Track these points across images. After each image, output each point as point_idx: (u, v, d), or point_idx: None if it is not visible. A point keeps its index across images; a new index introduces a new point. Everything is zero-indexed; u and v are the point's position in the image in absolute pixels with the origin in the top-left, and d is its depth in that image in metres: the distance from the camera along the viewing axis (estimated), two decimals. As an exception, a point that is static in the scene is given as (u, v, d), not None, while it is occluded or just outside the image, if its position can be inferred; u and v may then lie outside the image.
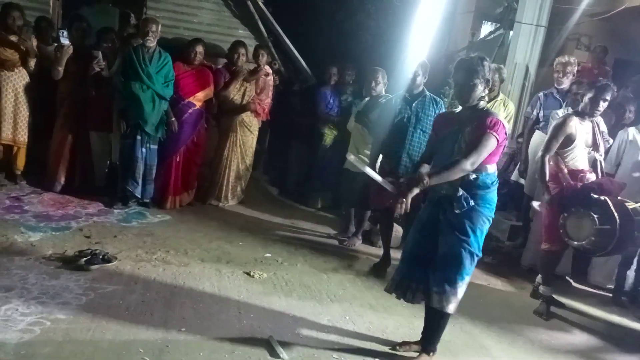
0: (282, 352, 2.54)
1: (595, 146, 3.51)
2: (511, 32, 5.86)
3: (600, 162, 3.56)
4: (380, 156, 3.91)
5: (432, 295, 2.50)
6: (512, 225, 4.78)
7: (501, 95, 4.48)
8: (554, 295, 3.61)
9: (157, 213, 4.40)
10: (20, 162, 4.57)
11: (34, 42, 4.48)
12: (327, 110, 5.16)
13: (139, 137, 4.29)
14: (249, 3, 5.50)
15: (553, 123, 3.63)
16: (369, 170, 2.59)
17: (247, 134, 4.91)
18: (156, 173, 4.47)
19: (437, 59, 5.69)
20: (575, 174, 3.44)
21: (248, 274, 3.44)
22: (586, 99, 3.41)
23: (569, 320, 3.51)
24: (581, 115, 3.45)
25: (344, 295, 3.37)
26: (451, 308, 2.50)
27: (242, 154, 4.91)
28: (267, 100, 4.99)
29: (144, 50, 4.23)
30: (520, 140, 4.84)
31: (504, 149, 2.55)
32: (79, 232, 3.71)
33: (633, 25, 6.61)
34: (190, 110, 4.54)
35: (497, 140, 2.39)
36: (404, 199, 2.33)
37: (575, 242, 3.24)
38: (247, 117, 4.85)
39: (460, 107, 2.59)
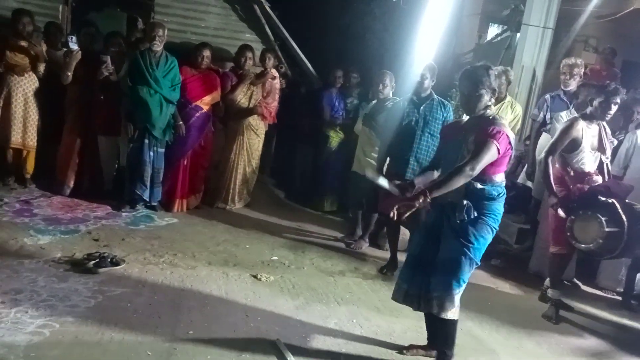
0: (290, 356, 2.53)
1: (601, 149, 3.49)
2: (518, 34, 5.84)
3: (607, 164, 3.54)
4: (388, 159, 3.91)
5: (431, 301, 2.50)
6: (520, 228, 4.76)
7: (508, 98, 4.46)
8: (563, 299, 3.58)
9: (164, 216, 4.42)
10: (30, 166, 4.62)
11: (44, 47, 4.53)
12: (332, 113, 5.17)
13: (146, 141, 4.32)
14: (256, 7, 5.53)
15: (559, 126, 3.62)
16: (385, 183, 2.58)
17: (254, 137, 4.93)
18: (164, 176, 4.50)
19: (444, 61, 5.68)
20: (581, 176, 3.42)
21: (255, 276, 3.45)
22: (596, 102, 3.38)
23: (578, 324, 3.49)
24: (589, 118, 3.43)
25: (350, 298, 3.36)
26: (450, 314, 2.47)
27: (248, 157, 4.93)
28: (273, 103, 5.01)
29: (151, 54, 4.26)
30: (527, 142, 4.82)
31: (510, 159, 2.51)
32: (88, 235, 3.74)
33: (641, 26, 6.57)
34: (197, 114, 4.57)
35: (498, 149, 2.36)
36: (403, 212, 2.33)
37: (583, 245, 3.21)
38: (253, 120, 4.87)
39: (466, 116, 2.58)
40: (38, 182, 4.63)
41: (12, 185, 4.53)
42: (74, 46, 4.56)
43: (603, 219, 3.09)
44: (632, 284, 3.91)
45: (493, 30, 7.43)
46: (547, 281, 3.60)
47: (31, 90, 4.50)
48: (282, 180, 5.92)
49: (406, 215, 2.34)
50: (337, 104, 5.23)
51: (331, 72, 5.26)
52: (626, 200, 3.25)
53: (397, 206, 2.35)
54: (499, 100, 2.51)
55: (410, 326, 3.05)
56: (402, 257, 3.96)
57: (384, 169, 3.88)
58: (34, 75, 4.49)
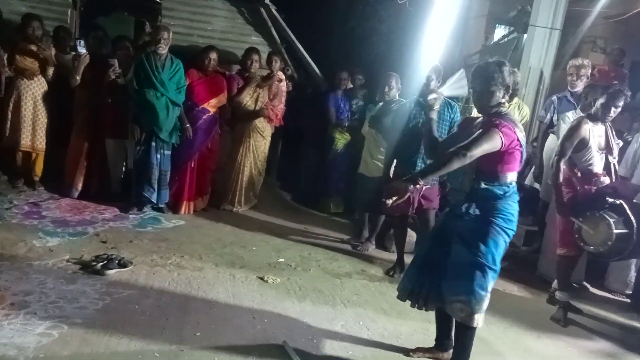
0: (297, 358, 2.53)
1: (608, 149, 3.47)
2: (525, 36, 5.82)
3: (615, 165, 3.52)
4: (395, 161, 3.90)
5: (446, 303, 2.46)
6: (527, 230, 4.73)
7: (516, 99, 4.44)
8: (571, 301, 3.56)
9: (171, 218, 4.45)
10: (39, 168, 4.66)
11: (53, 51, 4.58)
12: (338, 115, 5.18)
13: (153, 144, 4.35)
14: (262, 10, 5.55)
15: (565, 126, 3.60)
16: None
17: (260, 140, 4.94)
18: (171, 179, 4.53)
19: (450, 63, 5.67)
20: (589, 177, 3.40)
21: (262, 279, 3.45)
22: (598, 104, 3.36)
23: (587, 327, 3.46)
24: (594, 119, 3.41)
25: (357, 300, 3.36)
26: (472, 321, 2.40)
27: (255, 159, 4.95)
28: (280, 106, 5.02)
29: (156, 57, 4.29)
30: (534, 144, 4.80)
31: (522, 158, 2.40)
32: (96, 237, 3.77)
33: (650, 27, 6.51)
34: (204, 117, 4.60)
35: (502, 140, 2.25)
36: (397, 197, 2.22)
37: (592, 247, 3.19)
38: (260, 122, 4.89)
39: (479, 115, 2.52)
40: (47, 185, 4.67)
41: (21, 188, 4.58)
42: (82, 50, 4.61)
43: (612, 220, 3.07)
44: (641, 286, 3.87)
45: (500, 32, 7.41)
46: (555, 283, 3.58)
47: (40, 93, 4.54)
48: (288, 183, 5.93)
49: (399, 201, 2.22)
50: (342, 105, 5.24)
51: (336, 74, 5.27)
52: (634, 201, 3.22)
53: (387, 192, 2.26)
54: (512, 98, 2.48)
55: (418, 328, 3.04)
56: (408, 259, 3.97)
57: (391, 171, 3.87)
58: (43, 78, 4.54)
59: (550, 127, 4.46)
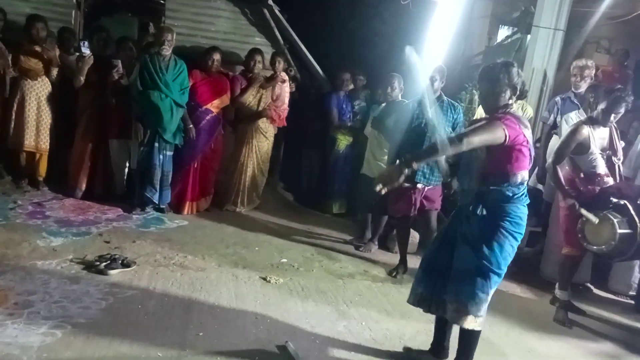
0: (299, 358, 2.53)
1: (613, 150, 3.46)
2: (528, 36, 5.80)
3: (619, 166, 3.51)
4: (397, 162, 3.89)
5: (446, 307, 2.45)
6: (531, 231, 4.71)
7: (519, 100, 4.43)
8: (574, 302, 3.55)
9: (174, 219, 4.46)
10: (43, 168, 4.68)
11: (57, 52, 4.60)
12: (340, 116, 5.18)
13: (156, 144, 4.36)
14: (265, 11, 5.56)
15: (567, 127, 3.59)
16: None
17: (263, 140, 4.95)
18: (174, 179, 4.54)
19: (453, 63, 5.66)
20: (592, 178, 3.39)
21: (264, 279, 3.45)
22: (599, 108, 3.35)
23: (590, 328, 3.45)
24: (595, 122, 3.41)
25: (360, 301, 3.36)
26: (469, 323, 2.38)
27: (257, 160, 4.95)
28: (283, 106, 5.03)
29: (160, 58, 4.30)
30: (538, 145, 4.78)
31: (531, 158, 2.36)
32: (99, 238, 3.78)
33: (654, 27, 6.47)
34: (207, 117, 4.61)
35: (505, 134, 2.19)
36: (390, 182, 2.17)
37: (595, 247, 3.18)
38: (263, 123, 4.89)
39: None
40: (50, 185, 4.69)
41: (25, 188, 4.59)
42: (86, 51, 4.62)
43: (615, 220, 3.06)
44: (645, 288, 3.86)
45: (503, 32, 7.38)
46: (558, 284, 3.56)
47: (44, 94, 4.56)
48: (291, 183, 5.93)
49: (391, 186, 2.17)
50: (344, 106, 5.24)
51: (338, 75, 5.28)
52: (638, 202, 3.21)
53: (381, 177, 2.21)
54: (520, 98, 2.46)
55: (421, 329, 3.03)
56: (411, 259, 3.97)
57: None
58: (47, 79, 4.56)
59: (554, 128, 4.44)
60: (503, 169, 2.32)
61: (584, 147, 3.36)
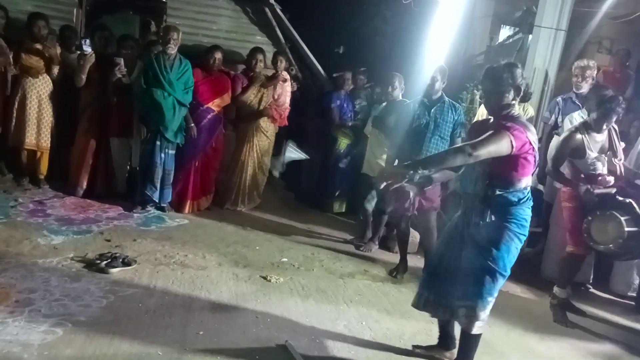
0: (300, 358, 2.54)
1: (612, 152, 3.46)
2: (530, 36, 5.79)
3: (620, 166, 3.51)
4: (397, 161, 3.90)
5: (457, 311, 2.45)
6: (531, 232, 4.70)
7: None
8: (574, 303, 3.55)
9: (175, 217, 4.46)
10: (44, 167, 4.68)
11: (58, 50, 4.60)
12: (341, 115, 5.18)
13: (158, 143, 4.36)
14: (267, 10, 5.56)
15: (559, 137, 3.61)
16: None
17: (264, 140, 4.95)
18: (175, 178, 4.54)
19: (455, 63, 5.66)
20: (593, 178, 3.40)
21: (265, 278, 3.46)
22: (593, 115, 3.38)
23: (591, 329, 3.44)
24: (589, 128, 3.42)
25: (360, 300, 3.36)
26: (475, 328, 2.40)
27: (258, 159, 4.95)
28: (284, 106, 5.03)
29: (165, 57, 4.31)
30: (539, 145, 4.78)
31: (535, 164, 2.37)
32: (100, 236, 3.79)
33: (656, 28, 6.46)
34: (209, 116, 4.61)
35: (512, 144, 2.20)
36: (391, 182, 2.19)
37: (602, 246, 3.18)
38: (264, 122, 4.90)
39: (491, 118, 2.50)
40: (52, 183, 4.69)
41: (26, 186, 4.60)
42: (88, 49, 4.63)
43: (622, 218, 3.06)
44: (645, 288, 3.86)
45: (505, 32, 7.38)
46: (555, 287, 3.57)
47: (45, 92, 4.56)
48: (292, 182, 5.93)
49: (394, 186, 2.20)
50: (345, 106, 5.24)
51: (340, 74, 5.27)
52: None
53: (382, 175, 2.24)
54: (524, 100, 2.46)
55: (420, 329, 3.03)
56: (411, 259, 3.97)
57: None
58: (48, 77, 4.56)
59: (555, 129, 4.44)
60: (508, 175, 2.33)
61: (580, 152, 3.39)
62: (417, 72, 4.14)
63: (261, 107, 4.85)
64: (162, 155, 4.40)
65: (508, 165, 2.31)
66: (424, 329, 3.03)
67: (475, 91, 5.31)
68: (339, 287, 3.53)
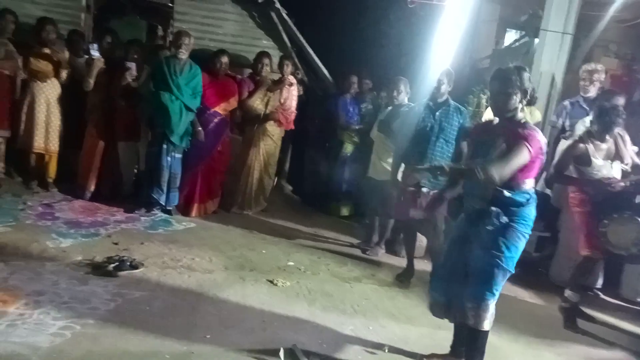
0: (306, 362, 2.54)
1: (618, 157, 3.45)
2: (536, 40, 5.78)
3: (628, 170, 3.50)
4: (403, 165, 3.89)
5: (466, 312, 2.46)
6: (539, 236, 4.68)
7: (526, 104, 4.40)
8: (583, 309, 3.52)
9: (182, 221, 4.48)
10: (52, 170, 4.71)
11: (66, 54, 4.64)
12: (346, 119, 5.19)
13: (164, 146, 4.38)
14: (273, 14, 5.58)
15: (563, 144, 3.61)
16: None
17: (270, 143, 4.96)
18: (182, 181, 4.56)
19: (460, 67, 5.65)
20: (602, 182, 3.38)
21: (271, 282, 3.46)
22: (594, 127, 3.41)
23: (600, 335, 3.41)
24: (593, 137, 3.43)
25: (367, 305, 3.35)
26: (485, 325, 2.45)
27: (265, 162, 4.97)
28: (290, 110, 5.04)
29: (175, 61, 4.34)
30: (547, 149, 4.76)
31: (542, 165, 2.44)
32: (107, 239, 3.80)
33: (664, 31, 6.43)
34: (215, 120, 4.64)
35: (530, 152, 2.29)
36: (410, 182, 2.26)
37: (621, 250, 3.16)
38: (270, 126, 4.91)
39: (496, 119, 2.53)
40: (60, 186, 4.72)
41: (35, 189, 4.63)
42: (95, 54, 4.66)
43: None
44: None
45: (511, 36, 7.37)
46: (566, 290, 3.54)
47: (54, 96, 4.60)
48: (298, 186, 5.94)
49: (414, 184, 2.30)
50: (351, 109, 5.25)
51: (346, 78, 5.29)
52: None
53: (412, 172, 2.34)
54: (530, 104, 2.48)
55: (426, 333, 3.02)
56: (419, 264, 3.96)
57: (399, 175, 3.87)
58: (56, 81, 4.59)
59: (562, 132, 4.42)
60: (516, 177, 2.37)
61: (585, 160, 3.41)
62: (423, 76, 4.14)
63: (267, 111, 4.86)
64: (169, 158, 4.42)
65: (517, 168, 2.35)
66: (429, 333, 3.02)
67: (482, 95, 5.30)
68: (346, 291, 3.53)
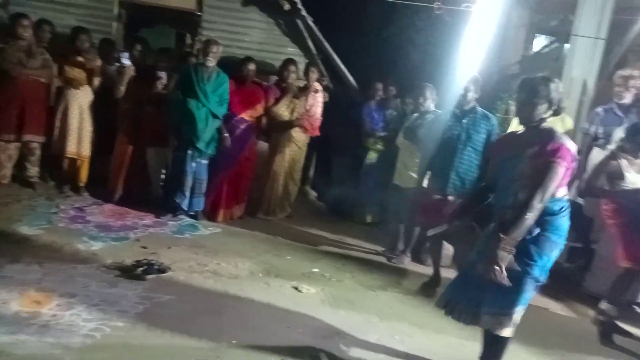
0: (332, 369, 2.52)
1: None
2: (566, 45, 5.66)
3: None
4: (429, 174, 3.85)
5: (483, 317, 2.42)
6: (571, 247, 4.55)
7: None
8: (619, 323, 3.39)
9: (208, 225, 4.53)
10: (84, 174, 4.83)
11: (99, 63, 4.78)
12: (372, 126, 5.17)
13: (189, 152, 4.44)
14: (299, 22, 5.63)
15: (596, 152, 3.53)
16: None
17: (296, 150, 4.99)
18: (209, 187, 4.61)
19: (488, 74, 5.56)
20: (634, 192, 3.30)
21: (296, 288, 3.46)
22: (627, 145, 3.35)
23: (634, 352, 3.27)
24: (625, 151, 3.36)
25: (392, 313, 3.31)
26: (506, 332, 2.39)
27: (290, 169, 4.99)
28: (316, 116, 5.06)
29: (203, 69, 4.41)
30: (578, 157, 4.63)
31: (573, 172, 2.40)
32: (136, 243, 3.88)
33: (702, 35, 6.20)
34: (242, 126, 4.69)
35: (563, 166, 2.26)
36: (498, 267, 2.24)
37: None
38: (295, 133, 4.93)
39: (521, 128, 2.50)
40: (91, 190, 4.84)
41: (67, 193, 4.76)
42: (126, 62, 4.79)
43: None
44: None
45: (540, 41, 7.23)
46: (601, 304, 3.42)
47: (86, 102, 4.73)
48: (323, 193, 5.93)
49: (503, 264, 2.25)
50: (376, 116, 5.23)
51: (371, 85, 5.28)
52: None
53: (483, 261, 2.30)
54: (556, 114, 2.42)
55: (454, 345, 2.97)
56: (445, 273, 3.90)
57: (425, 182, 3.83)
58: (89, 88, 4.72)
59: (595, 140, 4.30)
60: None
61: (618, 175, 3.34)
62: (450, 83, 4.10)
63: (293, 118, 4.89)
64: (194, 164, 4.48)
65: None
66: (457, 345, 2.96)
67: (510, 101, 5.21)
68: (371, 299, 3.50)
